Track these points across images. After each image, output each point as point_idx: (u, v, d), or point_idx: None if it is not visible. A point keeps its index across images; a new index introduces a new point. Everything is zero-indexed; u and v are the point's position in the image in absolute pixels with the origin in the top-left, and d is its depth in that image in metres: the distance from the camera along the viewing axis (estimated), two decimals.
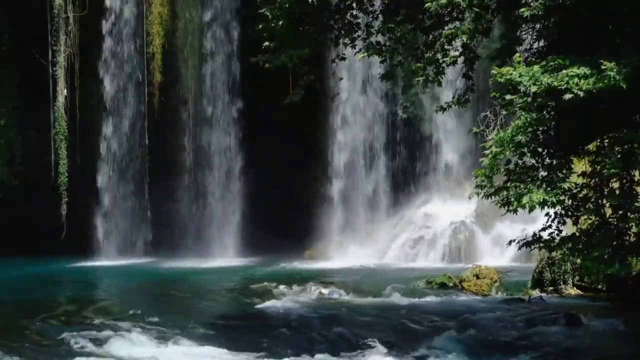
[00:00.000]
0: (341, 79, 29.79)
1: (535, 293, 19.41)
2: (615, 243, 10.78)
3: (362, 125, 33.33)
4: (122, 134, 34.00)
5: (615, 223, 10.95)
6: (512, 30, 12.27)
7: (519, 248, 11.77)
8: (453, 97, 13.30)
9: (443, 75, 12.97)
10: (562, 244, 11.42)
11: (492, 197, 11.05)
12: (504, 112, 11.40)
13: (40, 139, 33.08)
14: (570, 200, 11.13)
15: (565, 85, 9.87)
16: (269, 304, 18.93)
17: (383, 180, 33.37)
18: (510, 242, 11.92)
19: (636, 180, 11.12)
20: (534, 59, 11.57)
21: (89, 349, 13.90)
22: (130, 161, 34.04)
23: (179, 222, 33.21)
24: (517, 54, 11.36)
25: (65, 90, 32.53)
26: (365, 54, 13.64)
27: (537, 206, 10.49)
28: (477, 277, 21.03)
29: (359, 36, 14.15)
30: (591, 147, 11.51)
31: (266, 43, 13.51)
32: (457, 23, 12.68)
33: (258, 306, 18.79)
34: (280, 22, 13.09)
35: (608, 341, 14.57)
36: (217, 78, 33.43)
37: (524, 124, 10.66)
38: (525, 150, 10.91)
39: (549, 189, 10.58)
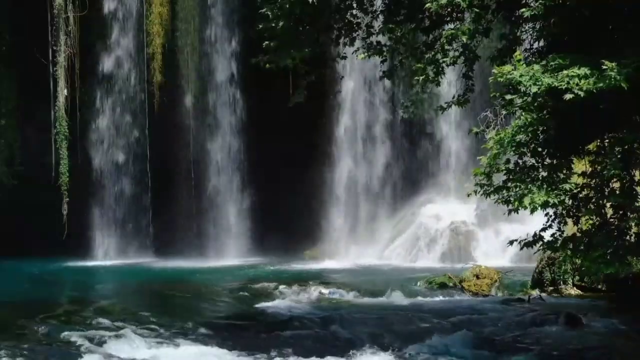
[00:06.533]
0: (342, 77, 29.82)
1: (535, 293, 19.40)
2: (615, 243, 10.78)
3: (363, 125, 33.34)
4: (122, 133, 34.00)
5: (616, 223, 10.95)
6: (512, 30, 12.28)
7: (521, 248, 11.75)
8: (453, 97, 13.31)
9: (443, 75, 12.98)
10: (565, 245, 11.41)
11: (492, 195, 11.05)
12: (504, 112, 11.40)
13: (40, 139, 33.07)
14: (570, 201, 11.13)
15: (565, 85, 9.87)
16: (269, 304, 18.94)
17: (383, 181, 33.36)
18: (511, 242, 11.89)
19: (637, 180, 11.11)
20: (534, 59, 11.57)
21: (89, 349, 13.89)
22: (131, 161, 34.04)
23: (180, 222, 33.17)
24: (517, 52, 11.35)
25: (65, 90, 32.51)
26: (366, 54, 13.66)
27: (539, 207, 10.49)
28: (477, 277, 21.04)
29: (359, 36, 14.15)
30: (591, 147, 11.51)
31: (266, 43, 13.52)
32: (457, 23, 12.69)
33: (258, 306, 18.80)
34: (281, 22, 13.09)
35: (608, 341, 14.57)
36: (217, 78, 33.43)
37: (524, 123, 10.67)
38: (525, 150, 10.92)
39: (549, 189, 10.58)
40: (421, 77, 12.85)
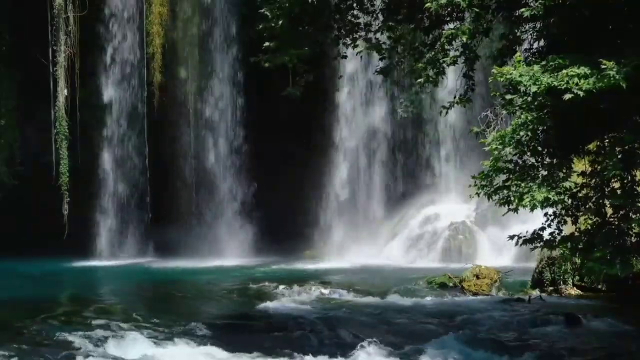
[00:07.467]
0: (340, 77, 29.86)
1: (535, 293, 19.41)
2: (616, 243, 10.78)
3: (362, 125, 33.34)
4: (122, 133, 34.02)
5: (617, 223, 10.95)
6: (512, 30, 12.29)
7: (516, 244, 11.75)
8: (454, 97, 13.30)
9: (443, 76, 12.99)
10: (563, 244, 11.43)
11: (493, 196, 11.06)
12: (504, 112, 11.42)
13: (40, 139, 33.09)
14: (570, 200, 11.14)
15: (565, 85, 9.88)
16: (269, 304, 18.92)
17: (383, 180, 33.36)
18: (511, 237, 11.90)
19: (637, 180, 11.11)
20: (534, 59, 11.58)
21: (89, 349, 13.87)
22: (131, 161, 34.04)
23: (179, 222, 33.18)
24: (518, 53, 11.37)
25: (65, 90, 32.52)
26: (365, 50, 13.70)
27: (539, 205, 10.50)
28: (477, 277, 21.03)
29: (359, 36, 14.16)
30: (591, 146, 11.52)
31: (266, 43, 13.53)
32: (457, 23, 12.69)
33: (258, 306, 18.78)
34: (280, 22, 13.11)
35: (608, 341, 14.56)
36: (217, 78, 33.43)
37: (523, 123, 10.68)
38: (525, 149, 10.93)
39: (549, 187, 10.59)
40: (422, 79, 12.87)
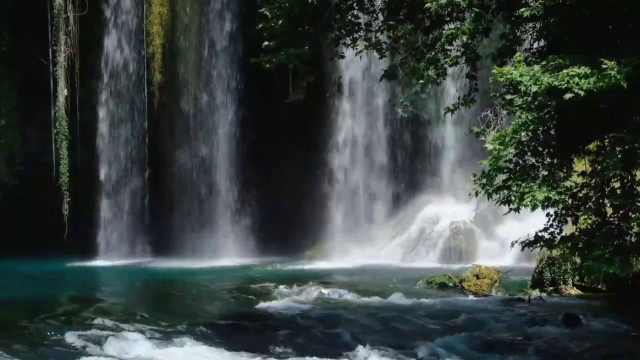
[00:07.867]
0: (340, 77, 29.86)
1: (535, 293, 19.44)
2: (616, 243, 10.79)
3: (362, 125, 33.33)
4: (122, 133, 34.01)
5: (616, 223, 10.96)
6: (512, 30, 12.28)
7: (522, 249, 11.81)
8: (459, 98, 13.28)
9: (445, 77, 12.98)
10: (563, 243, 11.44)
11: (493, 195, 11.06)
12: (504, 112, 11.42)
13: (40, 139, 33.09)
14: (570, 200, 11.14)
15: (565, 85, 9.88)
16: (269, 304, 18.94)
17: (383, 181, 33.36)
18: (512, 244, 11.95)
19: (637, 180, 11.11)
20: (534, 59, 11.58)
21: (89, 349, 13.89)
22: (131, 161, 34.04)
23: (179, 222, 33.19)
24: (518, 53, 11.36)
25: (65, 90, 32.51)
26: (365, 49, 13.69)
27: (540, 205, 10.50)
28: (477, 277, 21.04)
29: (360, 36, 14.15)
30: (591, 146, 11.52)
31: (266, 43, 13.52)
32: (457, 23, 12.69)
33: (258, 306, 18.80)
34: (280, 22, 13.10)
35: (608, 341, 14.58)
36: (217, 78, 33.41)
37: (524, 123, 10.68)
38: (526, 149, 10.93)
39: (550, 187, 10.60)
40: (423, 80, 12.86)
